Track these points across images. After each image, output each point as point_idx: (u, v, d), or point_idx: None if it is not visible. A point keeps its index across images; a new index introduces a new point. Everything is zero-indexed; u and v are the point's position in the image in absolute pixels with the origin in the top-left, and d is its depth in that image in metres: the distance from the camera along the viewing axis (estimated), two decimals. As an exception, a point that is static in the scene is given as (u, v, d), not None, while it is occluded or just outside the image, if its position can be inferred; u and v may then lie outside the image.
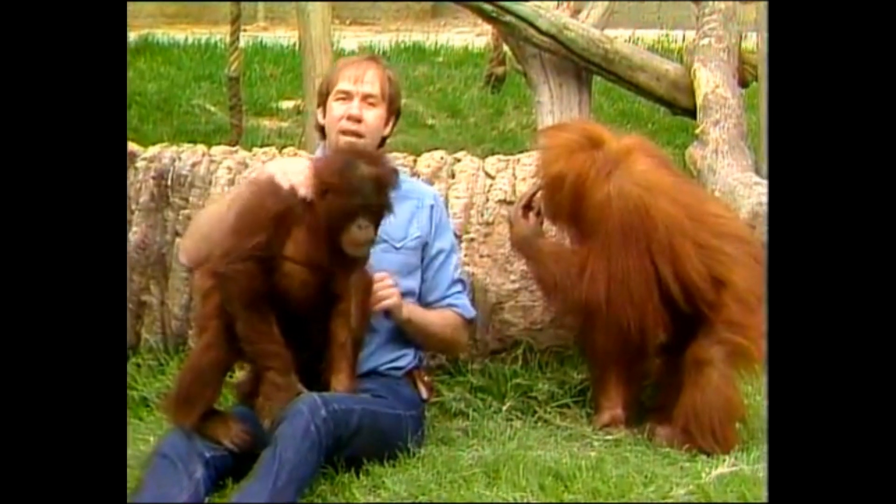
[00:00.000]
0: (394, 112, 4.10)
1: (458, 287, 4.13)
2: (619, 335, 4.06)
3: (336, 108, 4.02)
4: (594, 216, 4.05)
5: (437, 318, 4.05)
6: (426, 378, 4.08)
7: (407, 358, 4.03)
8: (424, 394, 4.04)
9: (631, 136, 4.31)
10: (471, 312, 4.14)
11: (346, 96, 4.01)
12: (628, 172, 4.06)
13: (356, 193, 3.63)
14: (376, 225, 3.70)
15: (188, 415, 3.67)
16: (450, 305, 4.09)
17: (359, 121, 3.98)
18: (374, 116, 4.01)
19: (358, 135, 3.98)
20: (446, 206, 4.36)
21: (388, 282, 3.87)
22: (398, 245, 4.02)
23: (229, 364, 3.76)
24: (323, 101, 4.09)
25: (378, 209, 3.69)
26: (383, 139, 4.09)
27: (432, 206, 4.12)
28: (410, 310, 3.97)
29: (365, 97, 4.01)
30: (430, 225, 4.09)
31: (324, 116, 4.07)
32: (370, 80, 4.03)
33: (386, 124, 4.07)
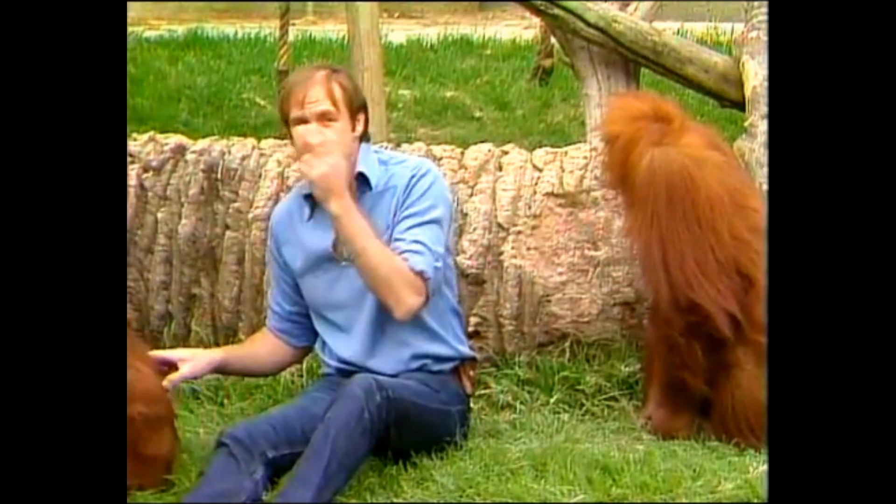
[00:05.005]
0: (357, 111, 3.89)
1: (418, 247, 3.77)
2: (684, 310, 3.96)
3: (297, 135, 3.84)
4: (641, 182, 4.06)
5: (377, 245, 3.74)
6: (471, 373, 4.07)
7: (453, 353, 3.98)
8: (468, 388, 4.04)
9: (698, 123, 4.31)
10: (419, 267, 3.74)
11: (303, 121, 3.81)
12: (676, 144, 4.09)
13: None
14: None
15: None
16: (401, 254, 3.77)
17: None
18: (334, 132, 3.82)
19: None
20: (494, 197, 4.29)
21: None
22: None
23: None
24: (287, 129, 3.90)
25: None
26: (360, 137, 3.91)
27: (408, 182, 3.86)
28: (352, 212, 3.73)
29: (320, 117, 3.82)
30: (401, 203, 3.86)
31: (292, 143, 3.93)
32: (317, 98, 3.80)
33: (353, 128, 3.88)
